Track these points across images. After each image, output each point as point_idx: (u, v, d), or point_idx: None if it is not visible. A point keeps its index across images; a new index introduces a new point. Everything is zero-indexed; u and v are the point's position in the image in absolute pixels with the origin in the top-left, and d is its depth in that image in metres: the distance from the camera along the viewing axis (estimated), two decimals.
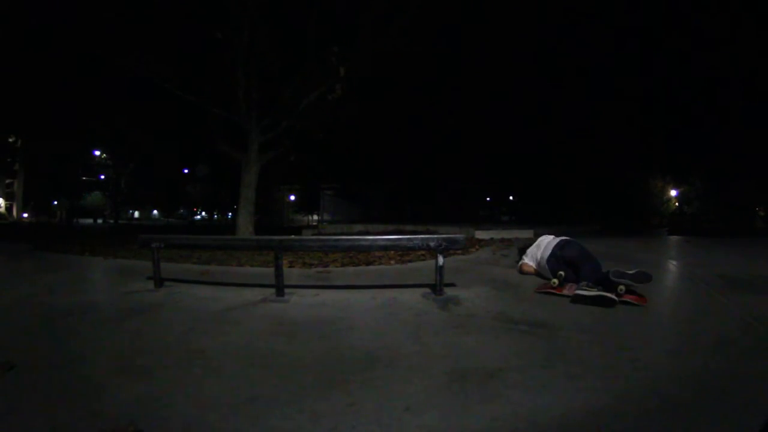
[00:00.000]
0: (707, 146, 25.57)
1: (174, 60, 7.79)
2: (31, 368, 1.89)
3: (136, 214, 60.32)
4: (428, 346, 2.17)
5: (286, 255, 4.73)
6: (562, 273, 3.36)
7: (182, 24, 7.61)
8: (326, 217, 16.71)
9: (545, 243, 3.97)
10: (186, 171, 37.35)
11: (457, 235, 3.45)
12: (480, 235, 8.75)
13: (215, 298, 3.31)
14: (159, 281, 3.70)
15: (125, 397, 1.61)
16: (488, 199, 38.85)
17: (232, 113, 8.11)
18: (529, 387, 1.66)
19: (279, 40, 8.03)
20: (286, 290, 3.34)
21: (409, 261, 5.24)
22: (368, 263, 5.12)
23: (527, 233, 8.68)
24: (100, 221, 44.66)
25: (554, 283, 3.32)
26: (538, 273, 3.95)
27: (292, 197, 42.33)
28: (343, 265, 5.04)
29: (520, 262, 4.24)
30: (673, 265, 5.16)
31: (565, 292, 3.23)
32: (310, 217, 39.82)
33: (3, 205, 46.27)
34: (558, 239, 3.91)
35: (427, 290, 3.38)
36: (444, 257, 3.26)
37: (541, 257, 3.86)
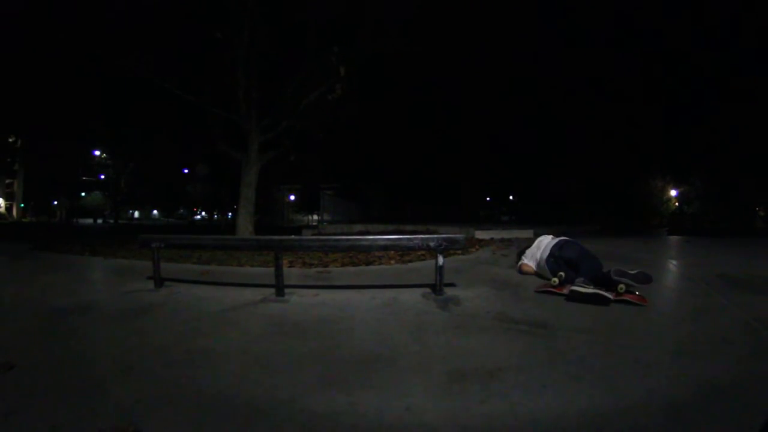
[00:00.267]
0: (707, 146, 25.57)
1: (174, 60, 7.79)
2: (31, 368, 1.89)
3: (136, 214, 60.31)
4: (428, 346, 2.17)
5: (286, 255, 4.73)
6: (562, 273, 3.36)
7: (182, 24, 7.61)
8: (326, 217, 16.71)
9: (544, 243, 3.97)
10: (186, 171, 37.36)
11: (457, 235, 3.45)
12: (480, 235, 8.75)
13: (215, 298, 3.31)
14: (159, 281, 3.70)
15: (125, 397, 1.61)
16: (488, 199, 38.87)
17: (232, 113, 8.11)
18: (530, 387, 1.66)
19: (279, 40, 8.03)
20: (286, 290, 3.34)
21: (409, 261, 5.24)
22: (368, 263, 5.12)
23: (527, 233, 8.68)
24: (99, 221, 44.66)
25: (554, 282, 3.32)
26: (537, 273, 3.95)
27: (292, 197, 42.36)
28: (343, 265, 5.04)
29: (520, 263, 4.23)
30: (673, 265, 5.17)
31: (565, 291, 3.23)
32: (310, 217, 39.83)
33: (3, 205, 46.24)
34: (557, 240, 3.91)
35: (428, 290, 3.38)
36: (444, 257, 3.26)
37: (540, 257, 3.86)
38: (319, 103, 8.34)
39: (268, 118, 8.31)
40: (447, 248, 3.28)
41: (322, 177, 26.15)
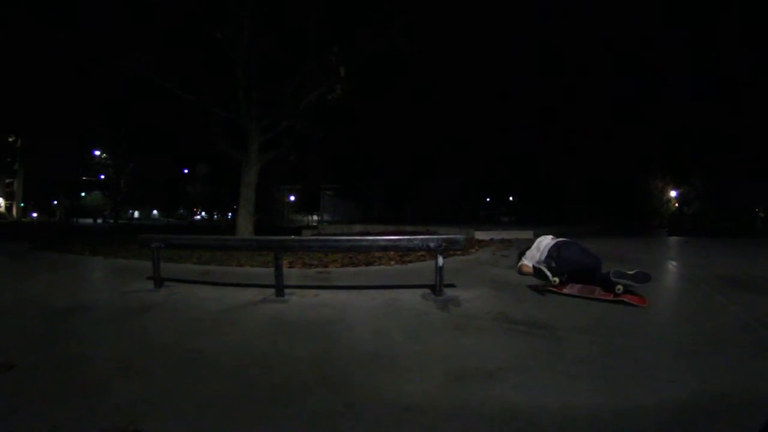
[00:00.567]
0: (707, 146, 25.57)
1: (174, 60, 7.79)
2: (31, 368, 1.89)
3: (136, 213, 60.29)
4: (428, 347, 2.17)
5: (285, 255, 4.72)
6: (565, 274, 3.37)
7: (182, 24, 7.61)
8: (326, 217, 16.71)
9: (543, 245, 3.97)
10: (186, 171, 37.39)
11: (457, 236, 3.45)
12: (480, 235, 8.75)
13: (215, 298, 3.31)
14: (159, 281, 3.70)
15: (125, 397, 1.61)
16: (488, 199, 38.88)
17: (232, 113, 8.11)
18: (530, 387, 1.66)
19: (279, 40, 8.03)
20: (286, 290, 3.34)
21: (409, 261, 5.24)
22: (368, 264, 5.12)
23: (527, 234, 8.69)
24: (99, 221, 44.68)
25: (555, 281, 3.32)
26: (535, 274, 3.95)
27: (292, 197, 42.35)
28: (343, 265, 5.04)
29: (520, 263, 4.24)
30: (672, 265, 5.17)
31: (566, 291, 3.23)
32: (310, 217, 39.81)
33: (3, 204, 46.24)
34: (554, 241, 3.91)
35: (427, 291, 3.38)
36: (444, 258, 3.26)
37: (539, 259, 3.87)
38: (318, 103, 8.35)
39: (268, 118, 8.31)
40: (447, 249, 3.29)
41: (322, 177, 26.16)
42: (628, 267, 3.26)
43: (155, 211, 61.12)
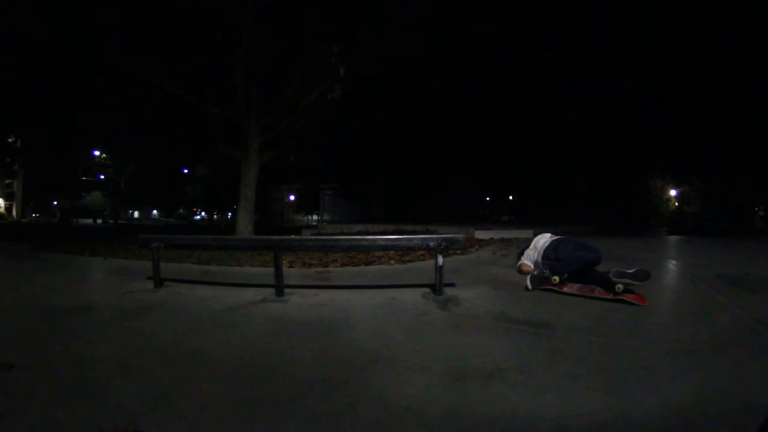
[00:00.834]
0: (707, 146, 25.57)
1: (174, 60, 7.79)
2: (31, 368, 1.89)
3: (136, 214, 60.29)
4: (428, 346, 2.17)
5: (285, 255, 4.73)
6: (566, 274, 3.37)
7: (182, 24, 7.60)
8: (326, 217, 16.71)
9: (540, 244, 3.97)
10: (186, 171, 37.33)
11: (457, 235, 3.45)
12: (480, 234, 8.76)
13: (215, 298, 3.31)
14: (159, 281, 3.70)
15: (125, 397, 1.61)
16: (488, 199, 38.86)
17: (232, 113, 8.11)
18: (530, 387, 1.66)
19: (279, 40, 8.03)
20: (286, 290, 3.34)
21: (409, 261, 5.24)
22: (368, 263, 5.12)
23: (527, 233, 8.69)
24: (99, 221, 44.67)
25: (555, 280, 3.32)
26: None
27: (292, 197, 42.33)
28: (342, 265, 5.04)
29: (519, 262, 4.24)
30: (672, 265, 5.17)
31: (566, 290, 3.24)
32: (309, 217, 39.83)
33: (3, 205, 46.22)
34: (551, 240, 3.91)
35: (427, 290, 3.38)
36: (444, 257, 3.26)
37: (536, 259, 3.87)
38: (318, 103, 8.35)
39: (268, 118, 8.31)
40: (446, 248, 3.29)
41: (322, 177, 26.13)
42: (628, 266, 3.26)
43: (155, 212, 61.12)
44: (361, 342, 2.25)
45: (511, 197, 39.59)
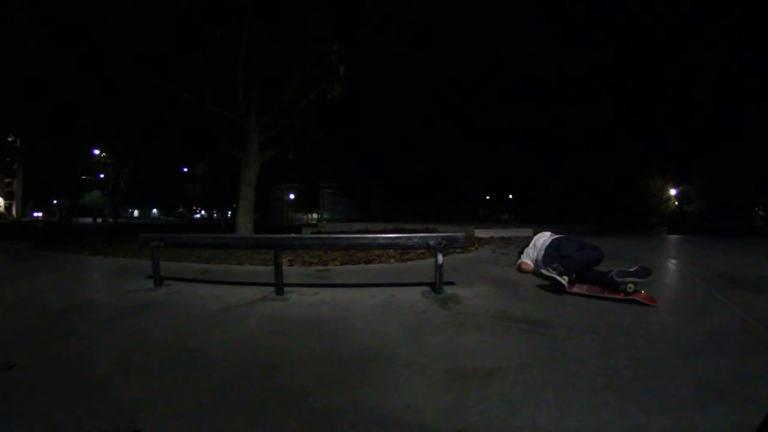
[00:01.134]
0: (707, 146, 25.56)
1: (174, 59, 7.77)
2: (31, 368, 1.89)
3: (136, 212, 60.30)
4: (428, 345, 2.17)
5: (285, 253, 4.73)
6: (573, 274, 3.32)
7: (182, 23, 7.59)
8: (326, 215, 16.72)
9: (540, 242, 3.96)
10: (185, 170, 37.34)
11: (457, 234, 3.45)
12: (479, 233, 8.76)
13: (215, 296, 3.31)
14: (159, 280, 3.70)
15: (125, 396, 1.61)
16: (488, 197, 38.88)
17: (231, 113, 8.10)
18: (530, 386, 1.66)
19: (279, 40, 8.02)
20: (286, 289, 3.34)
21: (409, 259, 5.24)
22: (368, 262, 5.12)
23: (527, 232, 8.69)
24: (99, 220, 44.67)
25: (564, 280, 3.26)
26: (535, 272, 3.95)
27: (292, 196, 42.31)
28: (342, 263, 5.04)
29: (519, 261, 4.23)
30: (672, 264, 5.17)
31: (575, 290, 3.19)
32: (309, 216, 39.81)
33: (2, 204, 46.19)
34: (552, 238, 3.90)
35: (427, 289, 3.38)
36: (443, 256, 3.26)
37: (536, 257, 3.86)
38: (318, 102, 8.34)
39: (268, 117, 8.31)
40: (446, 247, 3.29)
41: (322, 176, 26.12)
42: (629, 265, 3.26)
43: (155, 210, 61.13)
44: (360, 340, 2.25)
45: (510, 196, 39.60)
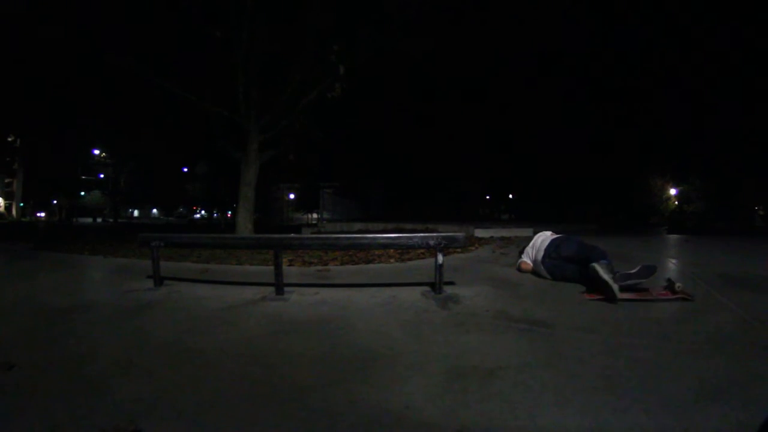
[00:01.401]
0: (707, 145, 25.57)
1: (174, 59, 7.78)
2: (31, 368, 1.89)
3: (136, 212, 60.34)
4: (428, 345, 2.17)
5: (285, 253, 4.72)
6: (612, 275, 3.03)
7: (182, 23, 7.59)
8: (326, 215, 16.72)
9: (539, 242, 3.97)
10: (185, 169, 37.37)
11: (457, 234, 3.44)
12: (479, 233, 8.76)
13: (215, 296, 3.31)
14: (159, 280, 3.70)
15: (125, 396, 1.61)
16: (488, 197, 38.91)
17: (231, 112, 8.10)
18: (530, 386, 1.66)
19: (279, 39, 8.02)
20: (286, 289, 3.34)
21: (409, 259, 5.24)
22: (368, 261, 5.12)
23: (527, 231, 8.69)
24: (99, 220, 44.70)
25: (616, 287, 2.88)
26: (534, 272, 3.96)
27: (292, 196, 42.33)
28: (342, 263, 5.04)
29: (519, 261, 4.24)
30: (672, 264, 5.17)
31: (625, 296, 2.92)
32: (309, 216, 39.82)
33: (2, 204, 46.20)
34: (552, 238, 3.90)
35: (427, 288, 3.38)
36: (443, 255, 3.26)
37: (536, 258, 3.86)
38: (318, 102, 8.34)
39: (268, 117, 8.31)
40: (446, 246, 3.28)
41: (322, 175, 26.13)
42: (629, 265, 3.26)
43: (155, 210, 61.17)
44: (360, 340, 2.25)
45: (510, 196, 39.62)
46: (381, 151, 22.54)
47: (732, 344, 2.12)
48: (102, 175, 42.12)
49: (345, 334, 2.35)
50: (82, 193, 45.77)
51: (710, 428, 1.35)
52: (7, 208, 46.57)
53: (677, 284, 2.98)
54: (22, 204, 46.82)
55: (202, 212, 53.96)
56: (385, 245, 3.99)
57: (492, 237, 8.42)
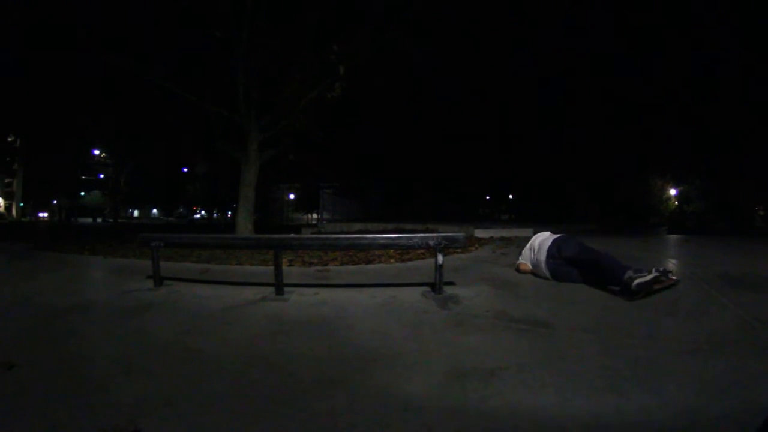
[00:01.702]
0: (707, 146, 25.56)
1: (174, 59, 7.78)
2: (31, 368, 1.89)
3: (136, 212, 60.33)
4: (428, 345, 2.17)
5: (285, 254, 4.72)
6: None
7: (182, 23, 7.59)
8: (326, 215, 16.72)
9: (538, 242, 3.96)
10: (185, 170, 37.37)
11: (457, 234, 3.44)
12: (479, 233, 8.75)
13: (215, 296, 3.31)
14: (159, 280, 3.70)
15: (125, 396, 1.61)
16: (488, 197, 38.86)
17: (231, 112, 8.10)
18: (530, 386, 1.66)
19: (279, 39, 8.02)
20: (286, 289, 3.34)
21: (409, 259, 5.23)
22: (368, 262, 5.12)
23: (527, 232, 8.68)
24: (99, 220, 44.71)
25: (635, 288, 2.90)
26: (533, 272, 3.95)
27: (292, 196, 42.30)
28: (342, 263, 5.03)
29: (518, 262, 4.24)
30: (672, 264, 5.16)
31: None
32: (309, 216, 39.79)
33: (2, 204, 46.21)
34: (552, 238, 3.89)
35: (427, 289, 3.38)
36: (443, 256, 3.26)
37: (537, 259, 3.84)
38: (318, 102, 8.33)
39: (268, 117, 8.30)
40: (446, 247, 3.28)
41: (322, 176, 26.12)
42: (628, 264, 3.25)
43: (155, 210, 61.17)
44: (360, 340, 2.25)
45: (510, 196, 39.60)
46: (381, 151, 22.54)
47: (732, 344, 2.12)
48: (102, 175, 42.16)
49: (345, 335, 2.35)
50: (82, 193, 45.81)
51: (710, 428, 1.35)
52: (7, 208, 46.58)
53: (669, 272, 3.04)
54: (22, 204, 46.85)
55: (202, 212, 53.97)
56: (385, 245, 3.99)
57: (492, 237, 8.41)
